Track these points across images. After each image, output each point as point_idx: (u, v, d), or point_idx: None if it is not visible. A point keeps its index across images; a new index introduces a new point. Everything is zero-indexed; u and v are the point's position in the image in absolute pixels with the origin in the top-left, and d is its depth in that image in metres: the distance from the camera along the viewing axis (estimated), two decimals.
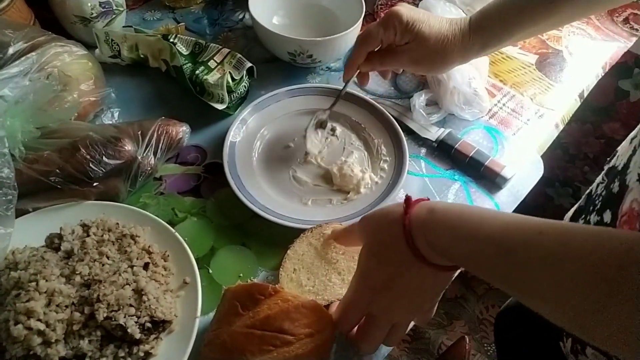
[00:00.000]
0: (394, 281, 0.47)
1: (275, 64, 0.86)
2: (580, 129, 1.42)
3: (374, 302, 0.49)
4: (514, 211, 0.74)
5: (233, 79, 0.77)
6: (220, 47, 0.80)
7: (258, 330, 0.47)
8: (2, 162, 0.53)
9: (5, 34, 0.66)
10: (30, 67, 0.63)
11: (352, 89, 0.83)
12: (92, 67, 0.71)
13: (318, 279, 0.58)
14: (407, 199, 0.47)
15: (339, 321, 0.52)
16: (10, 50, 0.65)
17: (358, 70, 0.70)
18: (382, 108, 0.77)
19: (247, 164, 0.70)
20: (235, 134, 0.72)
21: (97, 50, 0.81)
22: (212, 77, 0.76)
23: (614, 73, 1.23)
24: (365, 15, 0.97)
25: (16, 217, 0.58)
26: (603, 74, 0.97)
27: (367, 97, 0.79)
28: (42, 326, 0.47)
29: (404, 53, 0.66)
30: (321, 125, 0.75)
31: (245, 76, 0.78)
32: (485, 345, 1.52)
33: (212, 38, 0.90)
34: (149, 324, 0.51)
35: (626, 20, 1.02)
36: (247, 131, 0.74)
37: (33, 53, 0.64)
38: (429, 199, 0.49)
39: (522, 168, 0.75)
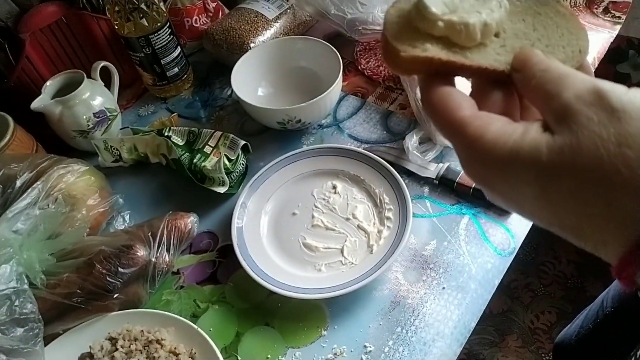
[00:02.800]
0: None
1: (269, 133, 0.89)
2: None
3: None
4: (529, 232, 0.73)
5: (229, 160, 0.79)
6: (213, 131, 0.83)
7: None
8: (24, 299, 0.56)
9: (11, 168, 0.70)
10: (37, 196, 0.66)
11: (344, 142, 0.85)
12: (96, 180, 0.74)
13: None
14: None
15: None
16: (18, 183, 0.69)
17: None
18: (376, 157, 0.78)
19: (257, 242, 0.72)
20: (239, 219, 0.73)
21: (99, 158, 0.85)
22: (209, 163, 0.79)
23: (610, 59, 1.23)
24: (346, 64, 0.99)
25: (48, 341, 0.61)
26: (597, 64, 0.96)
27: (360, 149, 0.80)
28: None
29: None
30: None
31: (241, 154, 0.81)
32: (542, 355, 1.47)
33: (207, 119, 0.94)
34: None
35: (606, 10, 1.01)
36: (249, 213, 0.75)
37: (38, 182, 0.68)
38: None
39: None
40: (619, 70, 1.27)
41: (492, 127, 0.29)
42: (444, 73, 0.33)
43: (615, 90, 0.26)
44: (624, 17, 0.99)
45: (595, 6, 1.02)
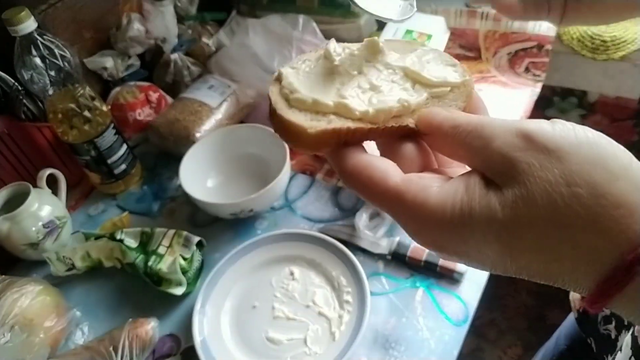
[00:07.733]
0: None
1: (222, 222, 0.90)
2: None
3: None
4: (482, 297, 0.77)
5: (185, 259, 0.80)
6: (166, 230, 0.83)
7: None
8: None
9: None
10: None
11: (298, 224, 0.87)
12: (52, 299, 0.73)
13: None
14: None
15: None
16: None
17: None
18: (330, 238, 0.80)
19: (222, 347, 0.71)
20: (200, 329, 0.72)
21: (52, 269, 0.83)
22: (165, 264, 0.79)
23: (539, 106, 1.31)
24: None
25: None
26: (531, 111, 1.03)
27: (314, 231, 0.82)
28: None
29: None
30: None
31: (196, 249, 0.82)
32: None
33: (159, 212, 0.94)
34: None
35: (527, 69, 1.09)
36: (209, 320, 0.74)
37: None
38: None
39: None
40: (547, 115, 1.37)
41: (430, 190, 0.27)
42: (353, 141, 0.31)
43: (543, 130, 0.26)
44: (542, 74, 1.08)
45: (517, 66, 1.10)
